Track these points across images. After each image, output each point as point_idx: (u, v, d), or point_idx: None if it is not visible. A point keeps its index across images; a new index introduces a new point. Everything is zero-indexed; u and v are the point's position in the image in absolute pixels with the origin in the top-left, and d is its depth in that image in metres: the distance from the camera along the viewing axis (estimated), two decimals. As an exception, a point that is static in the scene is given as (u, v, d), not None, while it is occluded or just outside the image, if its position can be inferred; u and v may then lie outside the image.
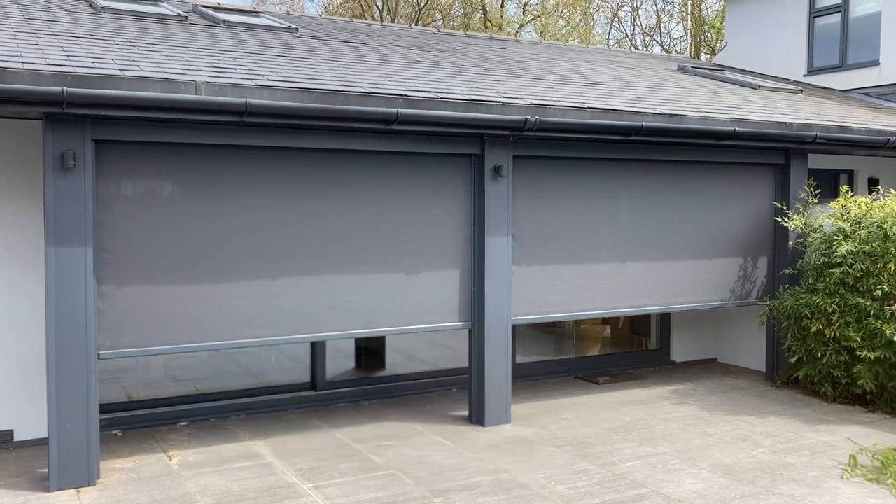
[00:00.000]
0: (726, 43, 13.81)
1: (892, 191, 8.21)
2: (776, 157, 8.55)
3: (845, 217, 7.84)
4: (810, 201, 8.46)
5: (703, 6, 27.39)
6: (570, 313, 7.56)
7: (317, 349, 7.86)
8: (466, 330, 7.09)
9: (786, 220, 8.29)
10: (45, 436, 6.20)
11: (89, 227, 5.43)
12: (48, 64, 5.25)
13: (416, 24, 27.03)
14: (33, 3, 8.42)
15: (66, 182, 5.34)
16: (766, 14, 12.84)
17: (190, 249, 5.90)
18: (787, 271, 8.47)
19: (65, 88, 4.98)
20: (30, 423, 6.42)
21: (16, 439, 6.40)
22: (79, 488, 5.48)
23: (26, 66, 5.02)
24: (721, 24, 24.63)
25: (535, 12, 30.43)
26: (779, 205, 8.54)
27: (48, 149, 5.30)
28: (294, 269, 6.27)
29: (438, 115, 6.26)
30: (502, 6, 29.91)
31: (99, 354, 5.61)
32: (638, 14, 31.10)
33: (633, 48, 28.64)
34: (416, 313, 6.77)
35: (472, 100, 6.46)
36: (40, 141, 6.05)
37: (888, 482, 5.69)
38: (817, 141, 8.18)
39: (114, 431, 6.80)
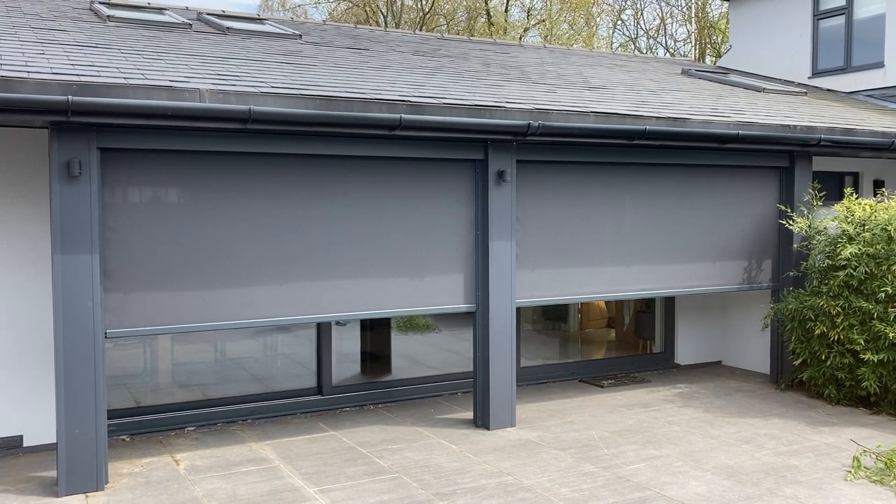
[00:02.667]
0: (730, 46, 13.83)
1: (896, 192, 8.22)
2: (780, 159, 8.56)
3: (849, 219, 7.85)
4: (815, 204, 8.46)
5: (707, 9, 27.41)
6: (573, 297, 7.59)
7: (323, 354, 7.90)
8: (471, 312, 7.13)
9: (790, 222, 8.30)
10: (54, 441, 6.28)
11: (95, 234, 5.48)
12: (54, 73, 5.31)
13: (420, 30, 27.11)
14: (39, 13, 8.50)
15: (71, 190, 5.39)
16: (770, 17, 12.86)
17: (194, 251, 5.95)
18: (791, 274, 8.47)
19: (70, 97, 5.03)
20: (38, 429, 6.48)
21: (25, 445, 6.46)
22: (87, 493, 5.53)
23: (32, 76, 5.07)
24: (726, 26, 24.63)
25: (539, 17, 30.48)
26: (783, 207, 8.55)
27: (54, 157, 5.35)
28: (298, 267, 6.32)
29: (442, 120, 6.29)
30: (506, 11, 29.97)
31: (106, 333, 5.66)
32: (642, 16, 31.09)
33: (636, 51, 28.66)
34: (422, 297, 6.85)
35: (476, 105, 6.50)
36: (46, 149, 6.12)
37: (892, 484, 5.70)
38: (822, 143, 8.18)
39: (122, 437, 6.85)
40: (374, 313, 6.70)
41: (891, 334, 7.13)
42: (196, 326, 6.04)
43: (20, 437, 6.45)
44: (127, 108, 5.25)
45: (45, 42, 6.70)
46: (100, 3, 9.73)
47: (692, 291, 8.23)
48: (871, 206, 7.84)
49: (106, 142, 5.50)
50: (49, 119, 5.20)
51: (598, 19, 30.89)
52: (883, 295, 7.29)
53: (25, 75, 5.06)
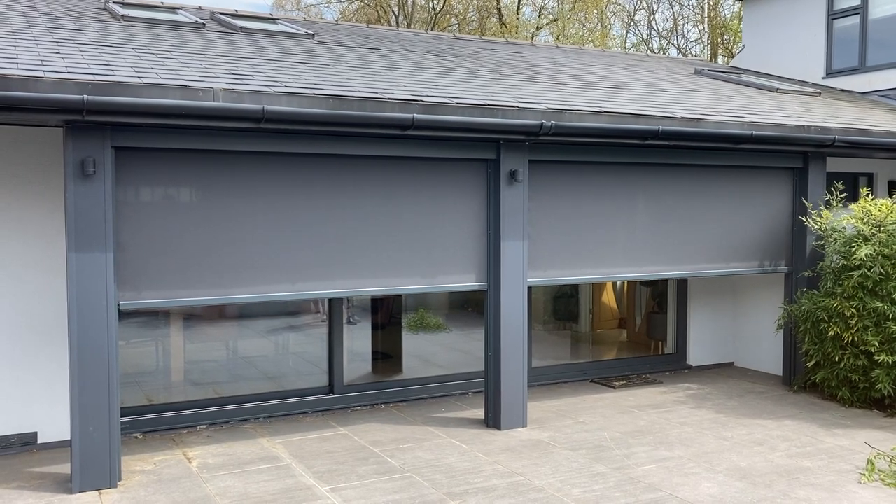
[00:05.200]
0: (744, 46, 13.76)
1: (912, 193, 8.15)
2: (794, 160, 8.51)
3: (865, 220, 7.80)
4: (835, 204, 8.36)
5: (719, 9, 27.30)
6: (584, 276, 7.56)
7: (334, 353, 7.92)
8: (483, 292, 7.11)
9: (809, 219, 8.24)
10: (68, 438, 6.32)
11: (110, 233, 5.51)
12: (69, 72, 5.33)
13: (432, 30, 27.12)
14: (54, 12, 8.54)
15: (86, 189, 5.42)
16: (784, 16, 12.79)
17: (206, 242, 5.98)
18: (805, 274, 8.43)
19: (85, 96, 5.05)
20: (53, 426, 6.52)
21: (39, 441, 6.50)
22: (100, 490, 5.56)
23: (48, 75, 5.10)
24: (738, 26, 24.53)
25: (552, 16, 30.42)
26: (805, 202, 8.49)
27: (69, 156, 5.38)
28: (310, 262, 6.34)
29: (454, 120, 6.29)
30: (518, 10, 29.93)
31: (119, 305, 5.68)
32: (654, 16, 30.99)
33: (648, 52, 28.57)
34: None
35: (488, 105, 6.49)
36: (61, 148, 6.16)
37: (907, 487, 5.66)
38: (836, 144, 8.14)
39: (135, 434, 6.88)
40: (381, 290, 6.68)
41: (905, 336, 7.09)
42: (208, 300, 6.05)
43: (35, 434, 6.49)
44: (142, 108, 5.27)
45: (60, 41, 6.73)
46: (114, 2, 9.77)
47: (702, 274, 8.20)
48: (887, 206, 7.79)
49: (120, 140, 5.53)
50: (65, 118, 5.23)
51: (610, 20, 30.80)
52: (898, 296, 7.24)
53: (42, 74, 5.09)
